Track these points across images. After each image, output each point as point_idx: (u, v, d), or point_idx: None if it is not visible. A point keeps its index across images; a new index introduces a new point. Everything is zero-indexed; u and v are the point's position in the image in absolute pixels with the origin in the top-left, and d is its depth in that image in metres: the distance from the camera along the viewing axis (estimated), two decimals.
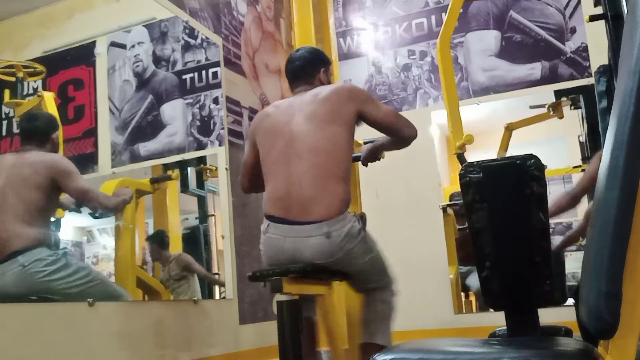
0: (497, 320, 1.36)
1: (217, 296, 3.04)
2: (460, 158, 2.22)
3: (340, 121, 2.06)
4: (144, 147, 2.95)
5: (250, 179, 2.29)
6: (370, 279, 2.15)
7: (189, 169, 2.99)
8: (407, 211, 3.77)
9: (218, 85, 3.12)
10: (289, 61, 2.30)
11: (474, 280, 3.78)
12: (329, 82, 2.29)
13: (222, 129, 3.08)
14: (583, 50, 3.59)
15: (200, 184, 3.06)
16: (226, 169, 3.05)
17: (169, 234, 3.01)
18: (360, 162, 2.39)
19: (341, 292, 2.42)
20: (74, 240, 2.76)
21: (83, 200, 2.38)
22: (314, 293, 2.07)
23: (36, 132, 2.28)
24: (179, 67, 3.11)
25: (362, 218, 2.09)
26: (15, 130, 2.58)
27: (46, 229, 2.21)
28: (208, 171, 3.09)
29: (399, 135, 2.16)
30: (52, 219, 2.37)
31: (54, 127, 2.34)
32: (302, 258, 1.97)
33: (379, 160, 2.37)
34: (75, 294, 2.11)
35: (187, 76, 3.12)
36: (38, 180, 2.16)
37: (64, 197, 2.35)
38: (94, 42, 2.96)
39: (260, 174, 2.19)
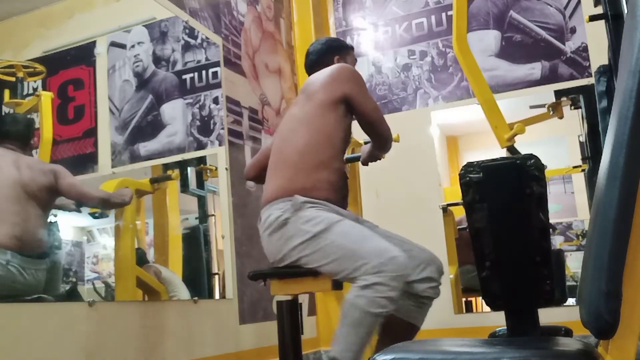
0: (497, 320, 1.36)
1: (217, 296, 3.04)
2: (512, 150, 2.14)
3: (323, 102, 1.93)
4: (144, 147, 2.95)
5: (258, 165, 2.23)
6: (323, 268, 1.78)
7: (189, 169, 2.99)
8: (407, 211, 3.77)
9: (218, 85, 3.12)
10: (306, 56, 2.26)
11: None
12: None
13: (222, 129, 3.08)
14: (583, 50, 3.59)
15: (200, 184, 3.06)
16: (226, 169, 3.05)
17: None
18: (360, 162, 2.39)
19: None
20: (74, 240, 2.76)
21: (72, 197, 2.42)
22: (306, 291, 2.02)
23: (17, 135, 2.31)
24: (179, 67, 3.11)
25: (295, 202, 1.81)
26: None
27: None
28: (208, 171, 3.09)
29: (378, 135, 2.06)
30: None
31: (32, 132, 2.39)
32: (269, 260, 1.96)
33: (379, 160, 2.37)
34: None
35: (187, 76, 3.12)
36: (45, 182, 2.22)
37: (63, 199, 2.36)
38: (94, 42, 2.96)
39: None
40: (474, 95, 2.30)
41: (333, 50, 2.22)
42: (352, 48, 2.29)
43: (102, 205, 2.57)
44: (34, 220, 2.14)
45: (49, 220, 2.29)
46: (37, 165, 2.26)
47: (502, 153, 3.26)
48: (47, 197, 2.22)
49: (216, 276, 3.04)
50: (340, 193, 1.97)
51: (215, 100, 3.10)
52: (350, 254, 1.71)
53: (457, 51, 2.23)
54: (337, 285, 1.84)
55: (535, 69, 3.67)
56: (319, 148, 1.90)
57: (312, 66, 2.21)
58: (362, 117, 2.00)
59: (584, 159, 3.57)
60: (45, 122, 2.47)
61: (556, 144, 4.40)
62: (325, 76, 2.01)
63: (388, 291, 1.65)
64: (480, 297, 1.33)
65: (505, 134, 2.13)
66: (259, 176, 2.18)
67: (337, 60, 2.17)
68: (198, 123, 3.09)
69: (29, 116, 2.48)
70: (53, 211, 2.45)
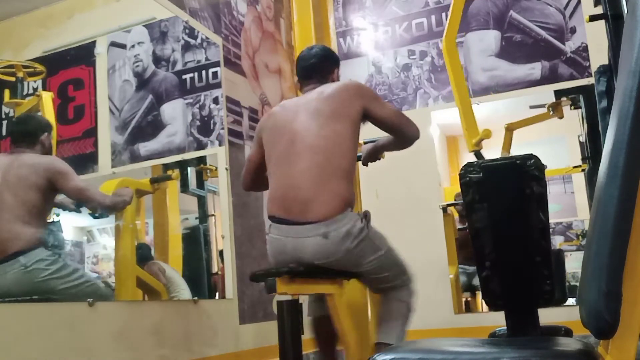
0: (497, 320, 1.36)
1: (217, 296, 3.04)
2: (478, 155, 2.19)
3: (345, 118, 2.03)
4: (144, 147, 2.95)
5: (252, 178, 2.28)
6: (382, 278, 2.11)
7: (189, 169, 2.99)
8: (407, 211, 3.77)
9: (218, 85, 3.12)
10: (302, 59, 2.27)
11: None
12: None
13: (222, 129, 3.08)
14: (583, 50, 3.59)
15: (200, 184, 3.06)
16: (226, 169, 3.05)
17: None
18: (360, 162, 2.39)
19: (347, 292, 2.41)
20: (74, 240, 2.76)
21: (80, 199, 2.39)
22: (315, 292, 2.06)
23: (25, 135, 2.29)
24: (179, 67, 3.11)
25: (366, 216, 2.04)
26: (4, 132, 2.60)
27: (44, 229, 2.23)
28: (208, 171, 3.09)
29: (403, 134, 2.16)
30: (51, 220, 2.38)
31: (42, 129, 2.34)
32: (303, 258, 1.96)
33: (379, 160, 2.37)
34: (73, 293, 2.12)
35: (187, 76, 3.12)
36: (35, 181, 2.17)
37: (63, 198, 2.36)
38: (94, 42, 2.96)
39: (263, 173, 2.18)
40: (455, 96, 2.33)
41: (335, 62, 2.30)
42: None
43: (107, 211, 2.56)
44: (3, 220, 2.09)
45: (43, 218, 2.24)
46: (27, 162, 2.21)
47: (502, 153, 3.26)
48: (36, 195, 2.16)
49: (216, 276, 3.04)
50: None
51: (215, 100, 3.10)
52: (402, 268, 2.17)
53: (445, 51, 2.25)
54: (379, 289, 2.20)
55: (535, 69, 3.67)
56: (353, 166, 2.10)
57: (314, 69, 2.22)
58: (382, 123, 2.14)
59: (584, 159, 3.57)
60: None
61: (556, 144, 4.40)
62: (349, 94, 2.09)
63: (414, 294, 2.19)
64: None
65: (474, 138, 2.18)
66: (257, 185, 2.31)
67: (335, 73, 2.27)
68: (198, 123, 3.09)
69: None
70: (55, 210, 2.45)
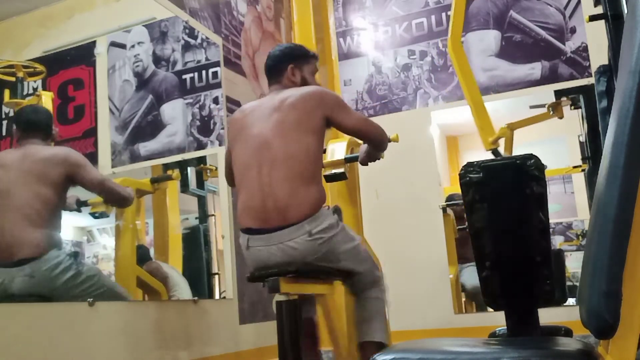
0: (497, 320, 1.36)
1: (217, 296, 3.04)
2: (496, 153, 2.18)
3: (309, 129, 2.04)
4: (144, 147, 2.95)
5: (233, 178, 2.24)
6: (360, 275, 2.15)
7: (189, 169, 2.99)
8: (407, 211, 3.77)
9: (218, 85, 3.12)
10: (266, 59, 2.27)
11: (466, 278, 3.77)
12: (304, 80, 2.20)
13: (222, 128, 3.08)
14: (583, 50, 3.59)
15: (200, 184, 3.06)
16: None
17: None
18: (359, 162, 2.39)
19: (342, 292, 2.42)
20: (74, 240, 2.76)
21: (101, 191, 2.33)
22: (313, 292, 2.07)
23: (39, 125, 2.22)
24: (179, 67, 3.11)
25: (337, 210, 2.10)
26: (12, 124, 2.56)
27: (57, 229, 2.16)
28: (208, 171, 3.09)
29: (370, 140, 2.20)
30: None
31: (52, 120, 2.31)
32: (292, 260, 1.95)
33: (378, 160, 2.36)
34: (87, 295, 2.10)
35: (187, 76, 3.12)
36: (52, 176, 2.09)
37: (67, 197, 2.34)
38: (94, 42, 2.96)
39: None
40: (466, 96, 2.32)
41: (288, 59, 2.21)
42: (312, 56, 2.29)
43: (123, 204, 2.47)
44: (8, 224, 2.00)
45: (57, 217, 2.16)
46: (45, 157, 2.14)
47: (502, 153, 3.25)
48: (52, 191, 2.08)
49: (216, 276, 3.04)
50: None
51: (215, 100, 3.10)
52: (374, 264, 2.20)
53: (451, 51, 2.25)
54: (352, 284, 2.20)
55: (535, 69, 3.67)
56: (319, 167, 2.12)
57: (270, 70, 2.23)
58: (348, 132, 2.17)
59: (584, 159, 3.56)
60: None
61: (556, 144, 4.40)
62: (312, 104, 2.06)
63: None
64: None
65: (490, 136, 2.16)
66: None
67: (292, 70, 2.19)
68: (198, 123, 3.09)
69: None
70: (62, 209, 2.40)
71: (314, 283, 2.05)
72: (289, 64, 2.19)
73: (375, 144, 2.22)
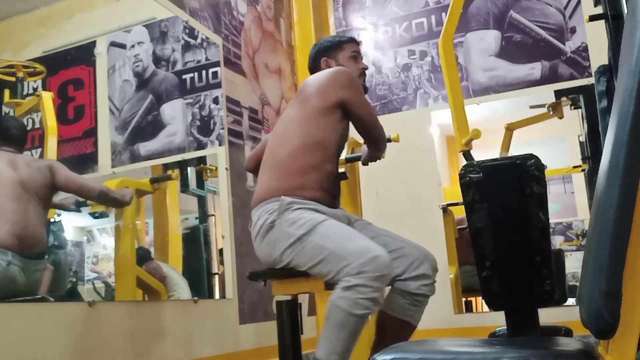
0: (497, 320, 1.36)
1: (217, 296, 3.04)
2: (467, 155, 2.17)
3: (317, 108, 1.95)
4: (144, 147, 2.95)
5: (258, 159, 2.18)
6: (323, 276, 1.76)
7: (189, 169, 2.99)
8: (407, 211, 3.77)
9: (218, 85, 3.12)
10: None
11: None
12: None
13: (222, 129, 3.08)
14: (583, 50, 3.59)
15: (200, 184, 3.06)
16: (226, 169, 3.05)
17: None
18: (360, 162, 2.39)
19: None
20: (74, 240, 2.76)
21: (69, 190, 2.39)
22: (304, 292, 2.02)
23: (15, 136, 2.31)
24: (179, 67, 3.11)
25: (282, 203, 1.81)
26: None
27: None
28: (208, 171, 3.09)
29: (370, 137, 2.11)
30: (53, 220, 2.39)
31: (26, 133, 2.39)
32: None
33: (379, 160, 2.37)
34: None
35: (187, 76, 3.12)
36: (44, 180, 2.20)
37: (63, 198, 2.36)
38: (94, 42, 2.95)
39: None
40: (449, 95, 2.33)
41: (321, 53, 2.21)
42: (344, 42, 2.21)
43: (102, 199, 2.49)
44: (33, 219, 2.11)
45: (49, 219, 2.28)
46: (34, 163, 2.25)
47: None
48: (46, 194, 2.20)
49: (216, 276, 3.04)
50: (330, 193, 1.95)
51: (215, 100, 3.10)
52: (333, 255, 1.70)
53: (442, 50, 2.24)
54: (329, 286, 1.79)
55: (535, 69, 3.67)
56: (310, 151, 1.91)
57: (311, 71, 2.23)
58: (358, 122, 2.04)
59: (584, 159, 3.57)
60: (50, 121, 2.48)
61: (556, 144, 4.40)
62: (321, 81, 2.01)
63: (370, 292, 1.63)
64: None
65: (464, 138, 2.16)
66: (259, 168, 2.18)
67: (325, 63, 2.17)
68: (198, 123, 3.09)
69: (27, 117, 2.48)
70: (57, 211, 2.45)
71: (304, 282, 1.90)
72: (322, 57, 2.19)
73: (376, 144, 2.16)
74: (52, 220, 2.46)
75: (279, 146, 1.97)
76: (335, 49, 2.20)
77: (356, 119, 2.01)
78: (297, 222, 1.77)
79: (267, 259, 1.89)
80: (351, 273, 1.65)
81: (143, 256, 2.79)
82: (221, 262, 3.01)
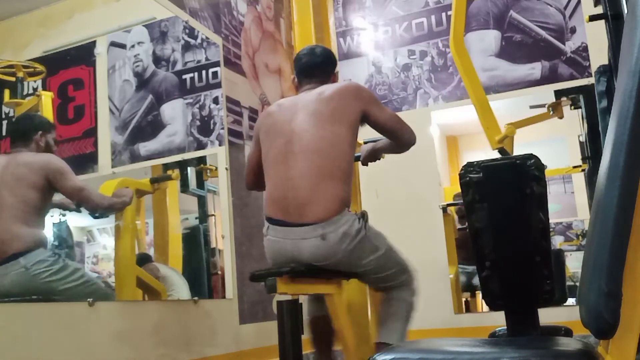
0: (497, 320, 1.36)
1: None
2: (503, 152, 2.17)
3: (344, 120, 2.03)
4: (144, 147, 2.95)
5: (254, 177, 2.26)
6: (383, 277, 2.11)
7: (189, 169, 2.99)
8: (407, 211, 3.77)
9: (218, 85, 3.12)
10: (305, 56, 2.25)
11: None
12: None
13: (222, 128, 3.08)
14: (583, 50, 3.59)
15: (200, 184, 3.06)
16: (226, 169, 3.05)
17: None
18: (360, 162, 2.39)
19: (347, 291, 2.41)
20: (74, 240, 2.76)
21: (78, 199, 2.38)
22: (314, 292, 2.06)
23: (19, 134, 2.30)
24: (179, 67, 3.11)
25: (364, 216, 2.04)
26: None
27: (43, 229, 2.22)
28: (208, 171, 3.09)
29: (400, 139, 2.16)
30: (58, 221, 2.37)
31: (35, 128, 2.32)
32: (301, 260, 1.96)
33: (379, 160, 2.37)
34: (74, 293, 2.12)
35: (187, 76, 3.12)
36: (33, 180, 2.16)
37: (63, 198, 2.36)
38: (94, 42, 2.96)
39: (263, 172, 2.18)
40: (471, 96, 2.32)
41: (335, 64, 2.29)
42: None
43: (105, 213, 2.54)
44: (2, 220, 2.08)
45: (42, 218, 2.23)
46: (29, 160, 2.22)
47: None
48: (35, 194, 2.16)
49: (216, 276, 3.04)
50: None
51: (215, 100, 3.10)
52: (403, 267, 2.16)
53: (454, 51, 2.23)
54: (379, 287, 2.20)
55: (535, 69, 3.67)
56: (350, 167, 2.07)
57: (313, 70, 2.21)
58: (381, 128, 2.16)
59: (584, 159, 3.56)
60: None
61: (556, 144, 4.40)
62: (349, 96, 2.08)
63: (416, 293, 2.19)
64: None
65: (496, 135, 2.15)
66: (260, 184, 2.22)
67: (337, 76, 2.29)
68: (198, 123, 3.09)
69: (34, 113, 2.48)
70: (58, 210, 2.45)
71: (317, 283, 2.03)
72: (335, 69, 2.28)
73: (403, 142, 2.18)
74: (54, 222, 2.47)
75: (333, 158, 2.00)
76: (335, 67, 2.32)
77: (380, 126, 2.16)
78: (379, 237, 2.10)
79: (352, 262, 2.02)
80: (412, 279, 2.18)
81: (141, 260, 2.78)
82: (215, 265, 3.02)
